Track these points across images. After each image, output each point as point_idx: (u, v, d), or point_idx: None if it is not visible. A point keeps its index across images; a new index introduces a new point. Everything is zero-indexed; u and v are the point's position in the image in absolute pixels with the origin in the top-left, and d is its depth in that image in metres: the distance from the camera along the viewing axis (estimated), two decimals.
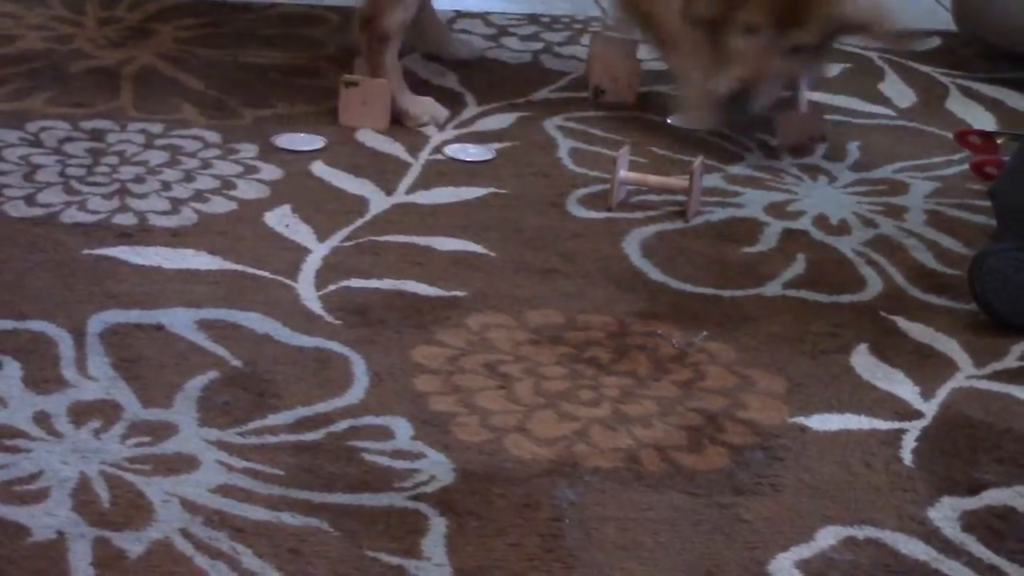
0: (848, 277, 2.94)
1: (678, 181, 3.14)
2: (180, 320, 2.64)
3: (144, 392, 2.45)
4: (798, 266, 2.97)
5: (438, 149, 3.32)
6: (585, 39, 3.87)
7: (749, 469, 2.37)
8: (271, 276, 2.80)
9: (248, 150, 3.26)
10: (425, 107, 3.44)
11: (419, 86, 3.57)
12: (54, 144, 3.23)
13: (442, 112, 3.44)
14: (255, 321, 2.65)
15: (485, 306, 2.76)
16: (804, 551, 2.20)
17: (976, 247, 2.97)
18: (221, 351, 2.56)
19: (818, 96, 3.58)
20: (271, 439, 2.36)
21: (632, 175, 3.16)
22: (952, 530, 2.26)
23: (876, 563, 2.19)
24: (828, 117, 3.52)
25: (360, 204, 3.08)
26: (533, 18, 4.05)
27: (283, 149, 3.27)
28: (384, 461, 2.32)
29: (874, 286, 2.91)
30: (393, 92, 3.39)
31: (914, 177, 3.36)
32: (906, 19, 4.19)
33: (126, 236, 2.90)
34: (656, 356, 2.65)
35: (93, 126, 3.32)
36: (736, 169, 3.33)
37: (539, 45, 3.90)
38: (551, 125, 3.47)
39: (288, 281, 2.79)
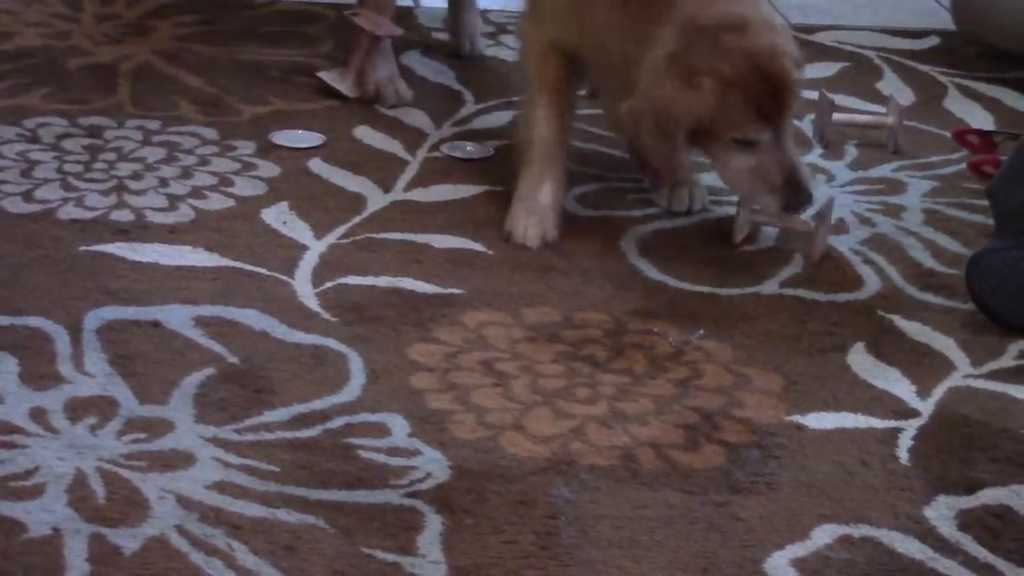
0: (845, 276, 2.94)
1: (802, 224, 3.04)
2: (177, 317, 2.64)
3: (140, 389, 2.45)
4: (795, 265, 2.97)
5: (436, 147, 3.32)
6: None
7: (745, 467, 2.37)
8: (268, 273, 2.80)
9: (246, 147, 3.26)
10: (398, 86, 3.49)
11: (418, 84, 3.58)
12: (52, 140, 3.23)
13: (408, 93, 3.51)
14: (252, 318, 2.65)
15: (482, 304, 2.76)
16: (800, 549, 2.20)
17: (974, 246, 2.97)
18: (218, 348, 2.56)
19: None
20: (267, 436, 2.36)
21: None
22: (948, 529, 2.26)
23: (872, 562, 2.19)
24: None
25: (358, 201, 3.08)
26: None
27: (281, 146, 3.27)
28: (380, 458, 2.32)
29: (871, 285, 2.91)
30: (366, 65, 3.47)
31: (912, 176, 3.35)
32: (905, 19, 4.21)
33: (123, 233, 2.90)
34: (653, 354, 2.64)
35: (91, 123, 3.32)
36: None
37: None
38: None
39: (285, 278, 2.79)
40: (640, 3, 2.89)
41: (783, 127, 2.92)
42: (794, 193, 2.92)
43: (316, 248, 2.90)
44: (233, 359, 2.54)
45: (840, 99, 3.59)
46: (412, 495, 2.25)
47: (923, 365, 2.67)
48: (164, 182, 3.10)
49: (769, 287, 2.89)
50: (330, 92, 3.50)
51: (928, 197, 3.26)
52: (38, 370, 2.48)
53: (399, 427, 2.40)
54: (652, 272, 2.91)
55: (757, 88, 2.87)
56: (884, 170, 3.38)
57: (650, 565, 2.15)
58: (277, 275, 2.80)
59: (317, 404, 2.44)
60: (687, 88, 2.84)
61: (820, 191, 3.25)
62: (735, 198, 3.18)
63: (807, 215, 3.03)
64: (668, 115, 2.87)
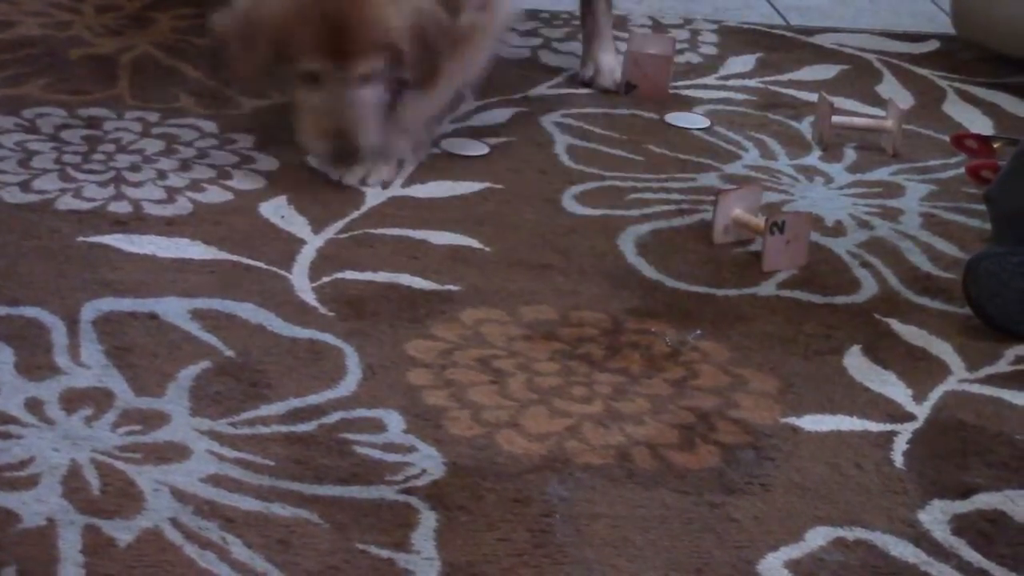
0: (842, 278, 2.94)
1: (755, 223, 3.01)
2: (173, 309, 2.64)
3: (136, 380, 2.45)
4: None
5: (435, 143, 3.32)
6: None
7: (740, 468, 2.37)
8: (265, 267, 2.80)
9: (244, 140, 3.26)
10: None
11: None
12: (50, 131, 3.23)
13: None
14: (248, 311, 2.65)
15: (479, 300, 2.76)
16: (794, 551, 2.20)
17: (971, 251, 2.97)
18: (214, 341, 2.56)
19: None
20: (263, 430, 2.36)
21: (743, 216, 3.03)
22: (942, 533, 2.26)
23: (865, 564, 2.19)
24: None
25: (356, 196, 3.08)
26: (533, 14, 4.04)
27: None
28: (375, 454, 2.32)
29: (868, 288, 2.91)
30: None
31: (910, 180, 3.35)
32: (905, 22, 4.21)
33: (121, 224, 2.89)
34: (649, 354, 2.64)
35: (90, 113, 3.31)
36: (733, 168, 3.33)
37: (538, 41, 3.89)
38: (548, 121, 3.46)
39: (282, 272, 2.79)
40: None
41: (351, 70, 2.96)
42: (340, 141, 2.97)
43: (314, 243, 2.90)
44: (229, 352, 2.54)
45: (839, 102, 3.59)
46: (407, 491, 2.25)
47: (919, 369, 2.67)
48: (162, 174, 3.09)
49: (766, 288, 2.89)
50: None
51: (926, 201, 3.26)
52: (34, 360, 2.47)
53: (395, 423, 2.40)
54: (649, 272, 2.91)
55: (324, 16, 2.92)
56: (882, 173, 3.38)
57: (644, 564, 2.15)
58: (274, 269, 2.79)
59: (313, 399, 2.44)
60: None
61: (805, 201, 3.26)
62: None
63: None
64: (254, 21, 2.95)
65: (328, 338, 2.60)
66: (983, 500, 2.35)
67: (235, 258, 2.82)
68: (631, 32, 3.82)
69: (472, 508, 2.22)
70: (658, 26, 4.01)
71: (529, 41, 3.88)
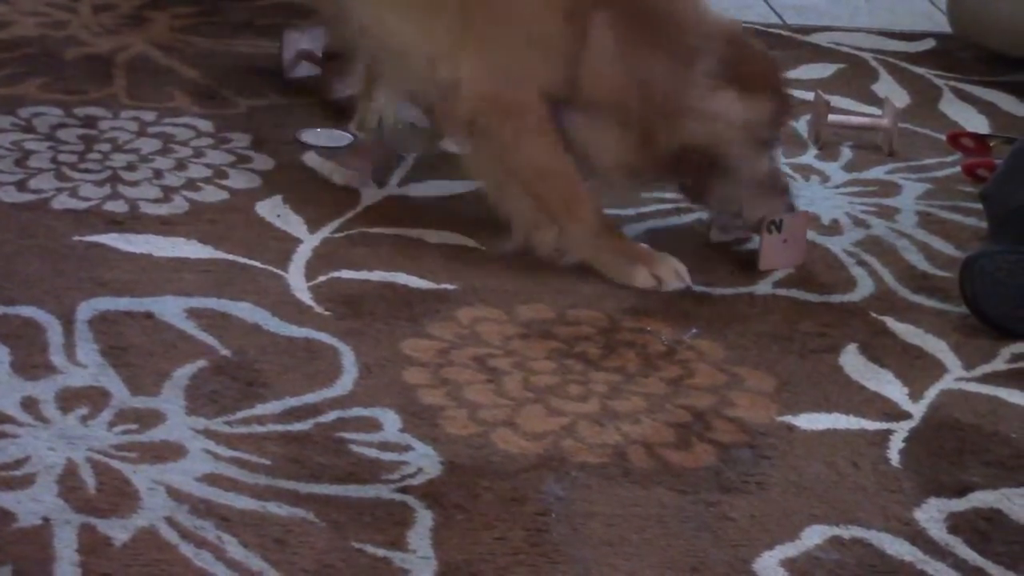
0: (839, 277, 2.94)
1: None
2: (170, 308, 2.64)
3: (132, 380, 2.44)
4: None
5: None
6: None
7: (736, 467, 2.37)
8: (262, 266, 2.80)
9: (241, 139, 3.26)
10: None
11: None
12: (46, 130, 3.22)
13: None
14: (245, 311, 2.65)
15: (475, 299, 2.76)
16: (790, 550, 2.20)
17: (967, 249, 2.97)
18: (210, 340, 2.56)
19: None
20: (259, 429, 2.35)
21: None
22: (938, 531, 2.26)
23: (862, 563, 2.19)
24: None
25: (352, 196, 3.08)
26: None
27: (308, 144, 3.25)
28: (372, 453, 2.32)
29: (865, 286, 2.91)
30: None
31: (906, 178, 3.35)
32: (901, 21, 4.20)
33: (117, 223, 2.89)
34: (645, 353, 2.64)
35: (86, 113, 3.31)
36: None
37: None
38: None
39: (279, 271, 2.79)
40: (652, 25, 2.86)
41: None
42: (789, 192, 2.98)
43: (310, 242, 2.90)
44: (225, 351, 2.54)
45: (835, 100, 3.58)
46: (403, 490, 2.25)
47: (915, 367, 2.67)
48: (158, 173, 3.09)
49: (763, 287, 2.89)
50: (325, 93, 3.49)
51: (922, 199, 3.26)
52: (30, 360, 2.47)
53: (391, 422, 2.40)
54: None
55: (784, 86, 2.98)
56: (878, 172, 3.38)
57: (640, 563, 2.15)
58: (271, 268, 2.79)
59: (309, 398, 2.44)
60: (745, 96, 2.87)
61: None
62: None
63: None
64: (730, 129, 2.87)
65: (324, 337, 2.60)
66: (979, 498, 2.35)
67: (231, 257, 2.81)
68: None
69: (468, 507, 2.22)
70: None
71: None
